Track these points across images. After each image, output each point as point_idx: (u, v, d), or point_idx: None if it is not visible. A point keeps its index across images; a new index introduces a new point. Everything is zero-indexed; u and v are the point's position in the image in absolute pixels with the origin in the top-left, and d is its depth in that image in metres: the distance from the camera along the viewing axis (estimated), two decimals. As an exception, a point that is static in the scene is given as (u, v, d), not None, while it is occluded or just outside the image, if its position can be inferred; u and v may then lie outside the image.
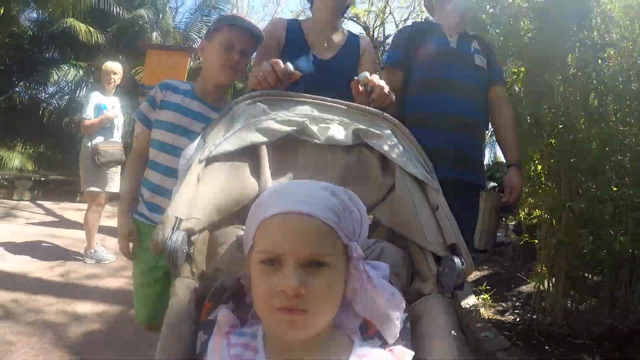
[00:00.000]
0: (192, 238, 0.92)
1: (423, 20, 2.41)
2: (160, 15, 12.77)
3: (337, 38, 1.85)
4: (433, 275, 0.95)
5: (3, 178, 9.74)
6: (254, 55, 1.75)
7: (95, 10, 10.77)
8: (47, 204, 8.72)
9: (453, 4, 2.10)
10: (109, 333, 2.64)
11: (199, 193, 0.98)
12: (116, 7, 11.35)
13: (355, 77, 1.30)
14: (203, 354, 0.77)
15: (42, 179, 9.78)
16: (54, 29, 10.78)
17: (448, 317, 0.88)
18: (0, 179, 9.67)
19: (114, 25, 11.47)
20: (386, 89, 1.29)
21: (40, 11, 10.81)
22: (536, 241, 3.14)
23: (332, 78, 1.67)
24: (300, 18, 1.96)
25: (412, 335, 0.85)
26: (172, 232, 0.88)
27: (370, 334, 0.83)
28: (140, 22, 11.49)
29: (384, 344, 0.81)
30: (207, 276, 0.94)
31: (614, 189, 2.41)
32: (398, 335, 0.81)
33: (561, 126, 2.65)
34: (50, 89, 11.90)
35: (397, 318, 0.80)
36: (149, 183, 1.67)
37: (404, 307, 0.82)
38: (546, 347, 2.52)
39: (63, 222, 6.70)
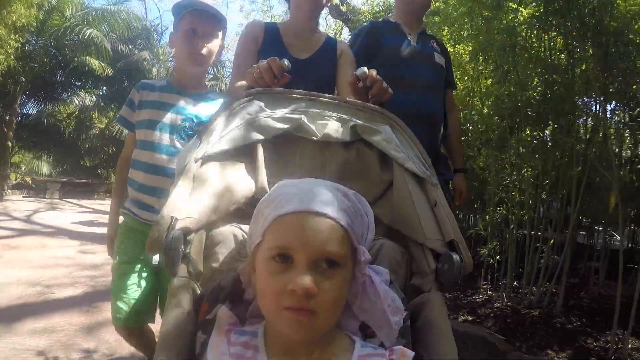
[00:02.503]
0: (188, 237, 0.91)
1: (382, 19, 2.50)
2: (154, 50, 16.69)
3: (314, 40, 1.88)
4: (432, 272, 0.96)
5: (34, 181, 12.83)
6: (217, 37, 1.69)
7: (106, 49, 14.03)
8: (74, 201, 11.26)
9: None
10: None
11: (195, 192, 0.97)
12: (121, 46, 14.83)
13: (354, 73, 1.28)
14: (202, 354, 0.77)
15: (67, 182, 12.72)
16: (74, 64, 13.83)
17: (446, 314, 0.89)
18: (29, 182, 12.79)
19: (121, 61, 14.80)
20: (384, 83, 1.28)
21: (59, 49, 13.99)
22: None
23: (309, 78, 1.69)
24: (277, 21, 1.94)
25: (412, 332, 0.86)
26: (168, 232, 0.87)
27: (369, 332, 0.83)
28: (143, 61, 15.11)
29: (383, 344, 0.81)
30: (205, 276, 0.93)
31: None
32: (395, 339, 0.81)
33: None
34: (69, 111, 15.74)
35: (396, 323, 0.80)
36: (134, 182, 1.67)
37: (404, 312, 0.82)
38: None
39: (99, 211, 9.16)
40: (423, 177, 1.09)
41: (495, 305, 3.43)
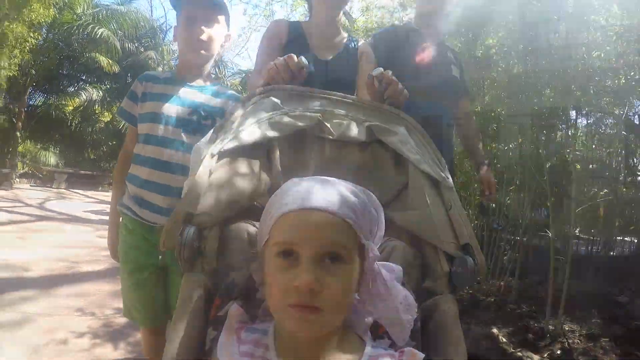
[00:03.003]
0: (203, 233, 0.87)
1: (403, 24, 2.56)
2: (159, 49, 16.17)
3: (337, 39, 1.81)
4: (445, 275, 0.91)
5: (39, 171, 13.49)
6: (218, 22, 1.59)
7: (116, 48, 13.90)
8: (80, 191, 11.85)
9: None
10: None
11: (210, 188, 0.92)
12: (128, 44, 14.81)
13: (370, 73, 1.22)
14: (212, 350, 0.74)
15: (73, 173, 13.36)
16: (83, 60, 14.10)
17: (458, 318, 0.85)
18: (35, 171, 13.43)
19: (128, 59, 14.73)
20: (400, 85, 1.21)
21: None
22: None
23: (332, 78, 1.64)
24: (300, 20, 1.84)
25: (422, 334, 0.82)
26: (184, 227, 0.83)
27: (380, 333, 0.79)
28: (149, 60, 14.91)
29: (394, 344, 0.77)
30: (218, 272, 0.88)
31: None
32: (407, 337, 0.77)
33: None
34: (75, 104, 15.32)
35: (409, 322, 0.76)
36: (136, 178, 1.49)
37: (416, 310, 0.78)
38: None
39: (105, 202, 9.80)
40: (438, 180, 1.03)
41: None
